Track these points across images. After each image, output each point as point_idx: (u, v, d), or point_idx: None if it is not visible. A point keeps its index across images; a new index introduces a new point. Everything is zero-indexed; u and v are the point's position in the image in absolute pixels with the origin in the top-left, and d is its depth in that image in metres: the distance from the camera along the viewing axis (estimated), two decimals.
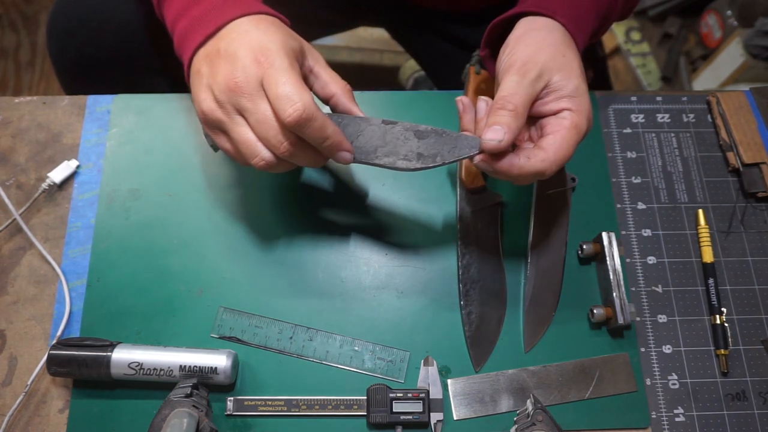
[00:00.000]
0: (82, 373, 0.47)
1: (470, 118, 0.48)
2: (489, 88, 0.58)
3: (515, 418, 0.48)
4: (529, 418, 0.45)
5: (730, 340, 0.52)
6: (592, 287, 0.54)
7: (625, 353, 0.52)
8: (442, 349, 0.52)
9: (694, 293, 0.54)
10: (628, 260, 0.55)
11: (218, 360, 0.47)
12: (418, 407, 0.48)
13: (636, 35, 1.58)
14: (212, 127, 0.45)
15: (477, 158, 0.43)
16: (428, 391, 0.49)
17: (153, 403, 0.48)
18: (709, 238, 0.55)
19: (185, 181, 0.57)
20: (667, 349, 0.52)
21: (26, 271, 0.54)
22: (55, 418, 0.49)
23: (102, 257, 0.54)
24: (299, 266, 0.54)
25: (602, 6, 0.50)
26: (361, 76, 1.49)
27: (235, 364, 0.49)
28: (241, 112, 0.43)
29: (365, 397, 0.49)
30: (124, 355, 0.47)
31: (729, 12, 1.41)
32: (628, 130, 0.60)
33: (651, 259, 0.55)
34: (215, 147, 0.49)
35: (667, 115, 0.61)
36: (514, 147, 0.46)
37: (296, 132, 0.42)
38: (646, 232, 0.56)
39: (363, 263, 0.55)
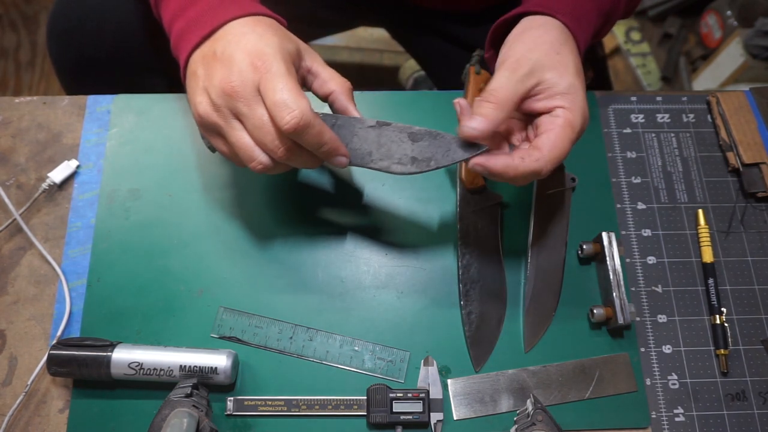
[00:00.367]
0: (82, 373, 0.47)
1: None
2: None
3: (515, 418, 0.48)
4: (529, 418, 0.45)
5: (730, 340, 0.52)
6: (592, 287, 0.54)
7: (625, 353, 0.52)
8: (442, 349, 0.52)
9: (694, 293, 0.54)
10: (628, 260, 0.55)
11: (218, 360, 0.47)
12: (418, 407, 0.48)
13: (636, 35, 1.58)
14: (209, 130, 0.45)
15: (472, 162, 0.43)
16: (428, 391, 0.49)
17: (153, 403, 0.48)
18: (709, 238, 0.55)
19: (185, 181, 0.57)
20: (667, 349, 0.52)
21: (26, 271, 0.54)
22: (55, 418, 0.49)
23: (102, 257, 0.54)
24: (299, 266, 0.54)
25: (605, 4, 0.50)
26: (361, 76, 1.49)
27: (235, 364, 0.49)
28: (237, 117, 0.43)
29: (365, 397, 0.49)
30: (124, 355, 0.47)
31: (729, 12, 1.41)
32: (628, 130, 0.60)
33: (651, 259, 0.55)
34: (212, 148, 0.49)
35: (667, 115, 0.61)
36: (511, 149, 0.46)
37: (293, 138, 0.42)
38: (646, 232, 0.56)
39: (363, 263, 0.55)
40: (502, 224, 0.56)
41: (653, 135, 0.60)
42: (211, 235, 0.55)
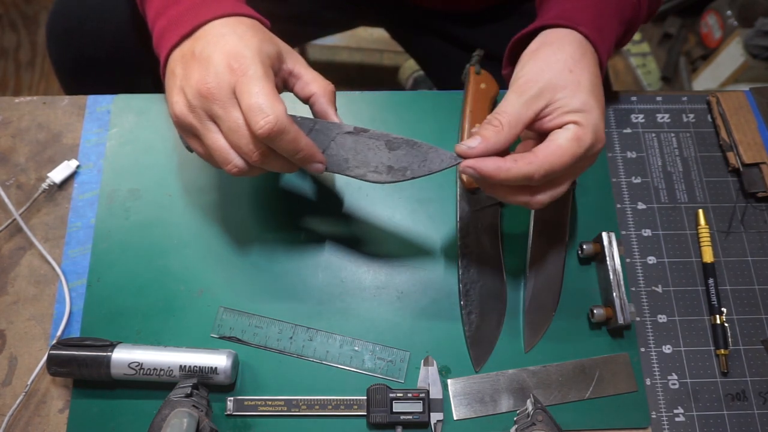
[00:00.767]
0: (82, 373, 0.47)
1: None
2: (489, 88, 0.58)
3: (515, 418, 0.48)
4: (529, 418, 0.45)
5: (730, 340, 0.52)
6: (592, 287, 0.54)
7: (625, 353, 0.52)
8: (442, 349, 0.52)
9: (694, 293, 0.54)
10: (628, 260, 0.55)
11: (218, 360, 0.47)
12: (418, 407, 0.48)
13: (636, 35, 1.58)
14: (185, 130, 0.45)
15: (463, 165, 0.42)
16: (428, 391, 0.49)
17: (153, 403, 0.48)
18: (709, 238, 0.55)
19: (185, 181, 0.57)
20: (667, 349, 0.52)
21: (26, 271, 0.54)
22: (55, 418, 0.49)
23: (102, 257, 0.54)
24: (299, 266, 0.54)
25: (627, 11, 0.49)
26: (361, 76, 1.49)
27: (235, 364, 0.49)
28: (213, 118, 0.42)
29: (365, 397, 0.49)
30: (124, 355, 0.47)
31: (729, 12, 1.41)
32: (628, 130, 0.60)
33: (651, 259, 0.55)
34: (190, 148, 0.49)
35: (667, 115, 0.61)
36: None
37: (267, 143, 0.41)
38: (646, 232, 0.56)
39: (363, 263, 0.55)
40: (502, 224, 0.56)
41: (653, 135, 0.60)
42: (212, 235, 0.55)
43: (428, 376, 0.50)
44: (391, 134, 0.45)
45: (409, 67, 1.42)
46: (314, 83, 0.46)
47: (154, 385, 0.49)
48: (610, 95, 0.62)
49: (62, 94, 0.66)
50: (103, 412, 0.49)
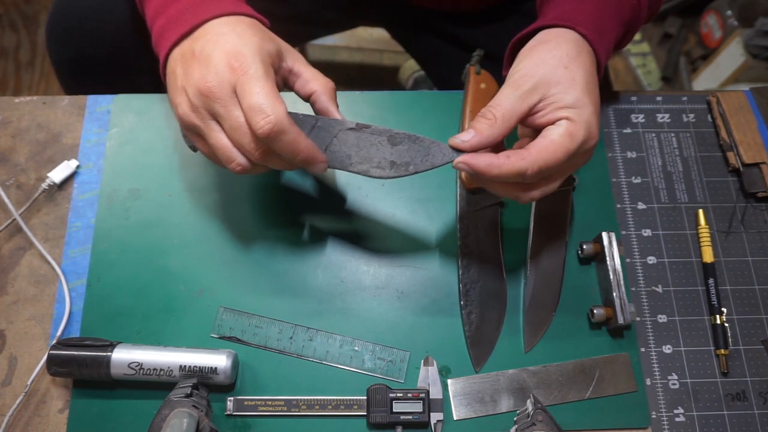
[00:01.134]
0: (82, 373, 0.47)
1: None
2: (489, 88, 0.58)
3: (515, 418, 0.48)
4: (529, 418, 0.45)
5: (730, 340, 0.52)
6: (592, 287, 0.54)
7: (625, 353, 0.52)
8: (442, 349, 0.52)
9: (694, 293, 0.54)
10: (628, 260, 0.55)
11: (218, 360, 0.47)
12: (418, 407, 0.48)
13: (636, 35, 1.58)
14: (189, 130, 0.45)
15: (456, 161, 0.42)
16: (428, 391, 0.49)
17: (153, 403, 0.48)
18: (709, 238, 0.55)
19: (185, 181, 0.57)
20: (667, 349, 0.52)
21: (26, 271, 0.54)
22: (55, 418, 0.49)
23: (102, 257, 0.54)
24: (299, 266, 0.54)
25: (626, 12, 0.49)
26: (361, 76, 1.49)
27: (235, 364, 0.49)
28: (215, 117, 0.42)
29: (365, 397, 0.49)
30: (124, 355, 0.47)
31: (729, 12, 1.41)
32: (628, 130, 0.60)
33: (651, 259, 0.55)
34: (194, 147, 0.49)
35: (667, 115, 0.61)
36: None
37: (267, 144, 0.41)
38: (646, 232, 0.56)
39: (363, 263, 0.55)
40: (502, 224, 0.56)
41: (653, 135, 0.60)
42: (212, 235, 0.55)
43: (428, 376, 0.50)
44: (393, 129, 0.45)
45: (410, 67, 1.42)
46: (314, 81, 0.46)
47: (154, 385, 0.49)
48: (610, 95, 0.62)
49: (62, 94, 0.66)
50: (103, 412, 0.49)
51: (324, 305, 0.53)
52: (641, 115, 0.61)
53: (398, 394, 0.48)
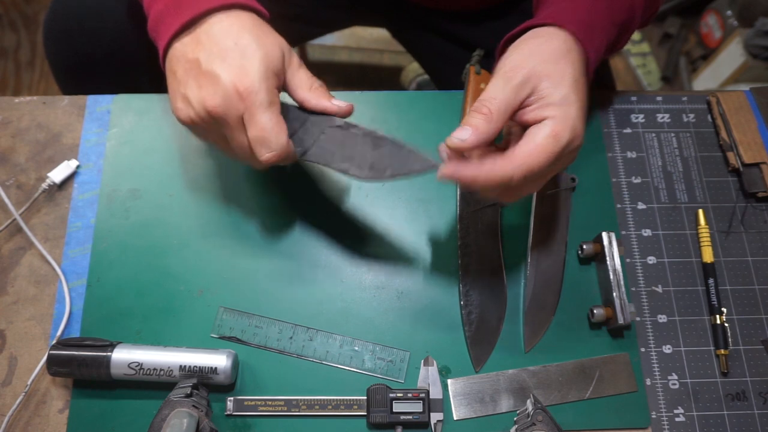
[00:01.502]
0: (82, 373, 0.47)
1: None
2: None
3: (515, 418, 0.48)
4: (529, 418, 0.45)
5: (730, 340, 0.52)
6: (592, 287, 0.54)
7: (625, 353, 0.52)
8: (442, 349, 0.52)
9: (694, 293, 0.54)
10: (628, 260, 0.55)
11: (218, 360, 0.47)
12: (418, 407, 0.48)
13: (636, 35, 1.58)
14: (188, 129, 0.47)
15: (441, 173, 0.41)
16: (428, 391, 0.49)
17: (153, 403, 0.48)
18: (709, 238, 0.55)
19: (185, 181, 0.57)
20: (667, 349, 0.52)
21: (26, 271, 0.54)
22: (55, 418, 0.49)
23: (102, 257, 0.54)
24: (299, 266, 0.54)
25: (619, 14, 0.49)
26: (361, 76, 1.49)
27: (235, 364, 0.49)
28: (219, 131, 0.45)
29: (365, 397, 0.49)
30: (124, 355, 0.47)
31: (729, 12, 1.41)
32: (628, 130, 0.60)
33: (651, 259, 0.55)
34: None
35: (667, 115, 0.61)
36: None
37: None
38: (646, 232, 0.56)
39: (363, 263, 0.55)
40: (502, 224, 0.56)
41: (653, 135, 0.60)
42: (211, 235, 0.55)
43: (428, 376, 0.50)
44: (378, 132, 0.46)
45: (412, 70, 1.41)
46: (300, 90, 0.47)
47: (154, 385, 0.49)
48: (611, 95, 0.62)
49: (61, 94, 0.66)
50: (103, 412, 0.49)
51: (324, 305, 0.53)
52: (641, 115, 0.61)
53: (398, 394, 0.48)
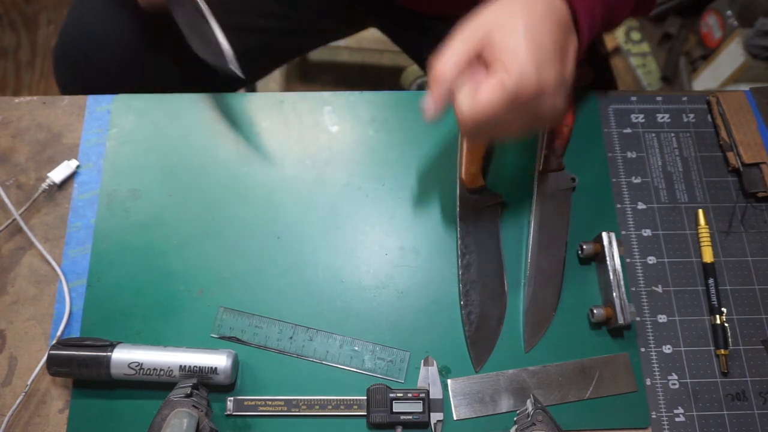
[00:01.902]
0: (82, 373, 0.47)
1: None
2: None
3: (515, 418, 0.48)
4: (529, 418, 0.45)
5: (730, 340, 0.52)
6: (592, 287, 0.54)
7: (625, 353, 0.52)
8: (442, 349, 0.52)
9: (694, 293, 0.54)
10: (628, 260, 0.55)
11: (218, 360, 0.47)
12: (418, 407, 0.48)
13: (636, 35, 1.58)
14: None
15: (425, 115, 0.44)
16: (428, 391, 0.49)
17: (153, 403, 0.48)
18: (709, 238, 0.55)
19: (185, 181, 0.57)
20: (667, 349, 0.52)
21: (26, 271, 0.54)
22: (55, 418, 0.49)
23: (102, 257, 0.54)
24: (299, 266, 0.54)
25: None
26: (361, 76, 1.49)
27: (235, 364, 0.49)
28: None
29: (365, 397, 0.49)
30: (124, 355, 0.47)
31: (729, 12, 1.41)
32: (628, 130, 0.60)
33: (651, 259, 0.55)
34: None
35: (667, 115, 0.61)
36: None
37: None
38: (646, 232, 0.56)
39: (363, 263, 0.55)
40: (501, 224, 0.56)
41: (653, 135, 0.60)
42: (211, 235, 0.55)
43: (428, 376, 0.50)
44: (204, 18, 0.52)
45: (413, 72, 1.41)
46: None
47: (154, 385, 0.49)
48: (611, 95, 0.62)
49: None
50: (103, 412, 0.49)
51: (324, 305, 0.53)
52: (641, 115, 0.61)
53: (398, 394, 0.48)
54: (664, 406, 0.50)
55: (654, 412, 0.50)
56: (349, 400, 0.49)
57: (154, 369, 0.47)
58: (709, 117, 0.61)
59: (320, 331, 0.52)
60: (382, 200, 0.57)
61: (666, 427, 0.49)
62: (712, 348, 0.52)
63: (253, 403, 0.49)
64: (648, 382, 0.51)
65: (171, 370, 0.47)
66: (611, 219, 0.56)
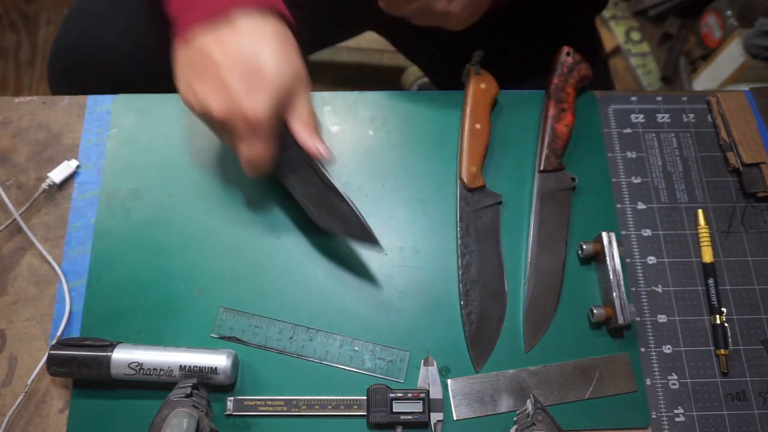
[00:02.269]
0: (82, 373, 0.47)
1: None
2: (489, 88, 0.58)
3: (515, 418, 0.48)
4: (529, 418, 0.45)
5: (730, 340, 0.52)
6: (592, 287, 0.54)
7: (625, 353, 0.52)
8: (442, 349, 0.52)
9: (694, 293, 0.54)
10: (628, 260, 0.55)
11: (218, 360, 0.47)
12: (418, 407, 0.48)
13: (636, 35, 1.58)
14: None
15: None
16: (428, 391, 0.49)
17: (153, 403, 0.48)
18: (709, 238, 0.55)
19: (185, 181, 0.57)
20: (667, 349, 0.52)
21: (26, 271, 0.54)
22: (55, 418, 0.49)
23: (102, 257, 0.54)
24: (299, 266, 0.54)
25: None
26: (361, 76, 1.49)
27: (235, 364, 0.49)
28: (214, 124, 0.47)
29: (365, 397, 0.49)
30: (124, 355, 0.47)
31: (729, 12, 1.41)
32: (628, 130, 0.60)
33: (651, 259, 0.55)
34: None
35: (667, 115, 0.61)
36: None
37: None
38: (646, 232, 0.56)
39: (363, 263, 0.54)
40: (501, 224, 0.56)
41: (653, 135, 0.60)
42: (212, 235, 0.55)
43: (428, 376, 0.50)
44: (341, 190, 0.50)
45: (413, 73, 1.41)
46: (295, 119, 0.48)
47: (154, 385, 0.49)
48: (611, 95, 0.62)
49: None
50: (103, 412, 0.49)
51: (324, 305, 0.53)
52: (641, 115, 0.61)
53: (398, 394, 0.48)
54: (664, 406, 0.50)
55: (654, 412, 0.50)
56: (349, 400, 0.49)
57: (154, 369, 0.47)
58: (709, 117, 0.61)
59: (320, 331, 0.52)
60: (382, 200, 0.57)
61: (666, 427, 0.49)
62: (712, 348, 0.52)
63: (253, 403, 0.49)
64: (648, 382, 0.51)
65: (171, 370, 0.47)
66: (611, 219, 0.56)
